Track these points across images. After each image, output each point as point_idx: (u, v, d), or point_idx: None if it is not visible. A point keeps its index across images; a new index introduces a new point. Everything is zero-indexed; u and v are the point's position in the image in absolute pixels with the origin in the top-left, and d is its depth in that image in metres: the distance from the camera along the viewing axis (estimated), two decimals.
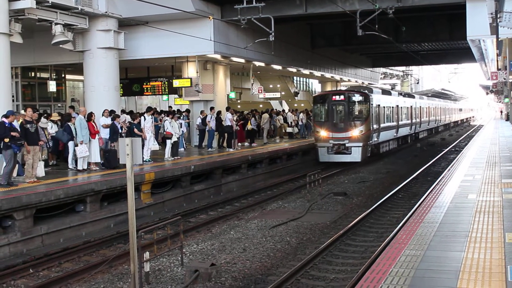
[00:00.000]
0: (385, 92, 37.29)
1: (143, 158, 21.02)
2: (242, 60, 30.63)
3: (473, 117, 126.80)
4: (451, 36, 38.51)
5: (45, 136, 19.14)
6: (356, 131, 29.11)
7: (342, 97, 29.76)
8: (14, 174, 16.59)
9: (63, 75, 33.20)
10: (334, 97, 29.92)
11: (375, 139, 30.98)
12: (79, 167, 18.99)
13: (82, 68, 25.53)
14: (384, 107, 32.97)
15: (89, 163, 19.39)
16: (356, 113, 29.93)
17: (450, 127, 75.28)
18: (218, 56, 28.36)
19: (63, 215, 15.45)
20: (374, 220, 16.57)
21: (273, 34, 23.73)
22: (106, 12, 23.96)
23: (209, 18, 24.71)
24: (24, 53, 25.60)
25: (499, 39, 21.19)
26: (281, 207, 19.16)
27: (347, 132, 29.19)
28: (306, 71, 40.15)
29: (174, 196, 19.56)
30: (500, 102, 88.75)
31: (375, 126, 30.51)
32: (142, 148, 21.05)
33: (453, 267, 7.86)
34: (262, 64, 32.85)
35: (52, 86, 30.82)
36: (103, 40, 24.37)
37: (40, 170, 17.37)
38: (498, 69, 32.37)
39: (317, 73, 42.39)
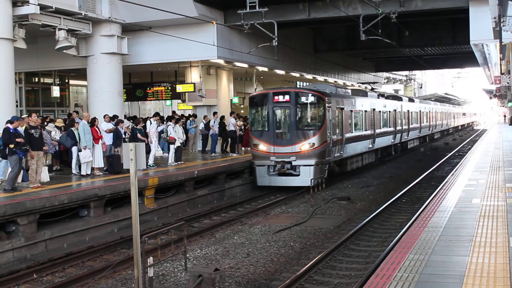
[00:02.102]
0: (356, 92, 30.78)
1: (147, 163, 21.29)
2: (245, 65, 30.65)
3: (476, 121, 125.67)
4: (454, 41, 38.54)
5: (51, 141, 19.16)
6: (306, 144, 22.33)
7: (287, 97, 22.76)
8: (19, 179, 16.63)
9: (66, 81, 33.27)
10: (276, 97, 22.86)
11: (337, 153, 24.22)
12: (83, 172, 19.02)
13: (86, 73, 25.62)
14: (351, 111, 26.57)
15: (92, 168, 19.41)
16: (307, 119, 23.21)
17: (448, 134, 68.75)
18: (221, 61, 28.41)
19: (67, 220, 15.46)
20: (378, 225, 16.54)
21: (276, 39, 23.76)
22: (109, 17, 24.04)
23: (212, 23, 24.76)
24: (27, 58, 25.66)
25: (503, 43, 21.19)
26: (285, 212, 19.16)
27: (293, 146, 22.38)
28: (309, 76, 40.17)
29: (177, 201, 19.55)
30: (503, 106, 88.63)
31: (335, 137, 23.67)
32: (148, 153, 21.37)
33: (458, 272, 7.83)
34: (265, 69, 32.88)
35: (55, 92, 30.93)
36: (107, 46, 24.44)
37: (45, 175, 17.39)
38: (502, 74, 32.40)
39: (320, 78, 42.42)
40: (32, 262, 13.20)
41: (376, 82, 43.46)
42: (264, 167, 22.70)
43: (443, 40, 39.69)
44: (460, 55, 49.11)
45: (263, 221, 17.56)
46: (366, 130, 28.72)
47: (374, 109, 30.20)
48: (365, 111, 28.78)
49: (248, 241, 14.78)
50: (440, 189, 16.70)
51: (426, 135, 49.70)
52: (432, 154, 40.34)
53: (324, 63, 40.35)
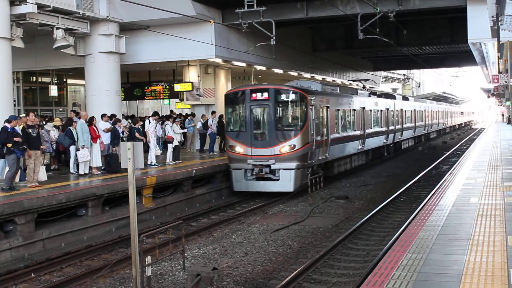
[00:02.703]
0: (345, 90, 29.30)
1: (151, 162, 21.34)
2: (243, 64, 30.64)
3: (473, 120, 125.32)
4: (452, 39, 38.57)
5: (49, 140, 19.14)
6: (286, 146, 20.75)
7: (265, 95, 21.11)
8: (17, 179, 16.61)
9: (64, 80, 33.25)
10: (254, 95, 21.18)
11: (321, 156, 22.62)
12: (81, 172, 19.01)
13: (84, 73, 25.59)
14: (338, 110, 25.15)
15: (90, 168, 19.40)
16: (288, 118, 21.62)
17: (445, 133, 67.62)
18: (219, 60, 28.39)
19: (64, 219, 15.45)
20: (376, 224, 16.55)
21: (274, 38, 23.74)
22: (107, 16, 24.02)
23: (210, 22, 24.76)
24: (25, 57, 25.63)
25: (500, 42, 21.19)
26: (283, 211, 19.16)
27: (273, 148, 20.79)
28: (308, 75, 40.15)
29: (175, 200, 19.54)
30: (501, 105, 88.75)
31: (319, 138, 22.20)
32: (147, 152, 21.38)
33: (456, 271, 7.84)
34: (263, 68, 32.87)
35: (53, 91, 30.92)
36: (105, 45, 24.42)
37: (42, 175, 17.38)
38: (499, 72, 32.44)
39: (318, 77, 42.42)
40: (30, 261, 13.19)
41: (368, 80, 41.60)
42: (241, 171, 21.09)
43: (441, 39, 39.73)
44: (458, 54, 49.16)
45: (261, 220, 17.57)
46: (355, 131, 27.33)
47: (364, 108, 28.84)
48: (354, 110, 27.39)
49: (246, 240, 14.78)
50: (438, 188, 16.72)
51: (421, 134, 48.19)
52: (430, 153, 40.37)
53: (322, 62, 40.36)
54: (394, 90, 76.91)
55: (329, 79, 44.66)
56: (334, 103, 24.42)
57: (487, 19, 18.91)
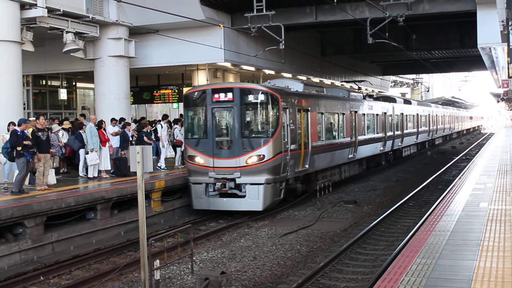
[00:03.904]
0: (336, 92, 26.62)
1: (160, 166, 21.38)
2: (252, 68, 30.67)
3: (482, 125, 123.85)
4: (462, 44, 38.45)
5: (58, 143, 19.21)
6: (254, 157, 17.75)
7: (230, 95, 18.12)
8: (26, 182, 16.69)
9: (74, 83, 33.36)
10: (216, 95, 18.22)
11: (299, 167, 19.65)
12: (90, 175, 19.06)
13: (93, 76, 25.68)
14: (321, 114, 21.98)
15: (99, 171, 19.46)
16: (256, 124, 18.56)
17: (451, 139, 63.39)
18: (228, 64, 28.43)
19: (73, 222, 15.50)
20: (385, 229, 16.50)
21: (283, 42, 23.74)
22: (117, 20, 24.11)
23: (220, 26, 24.79)
24: (35, 61, 25.75)
25: (510, 47, 21.09)
26: (291, 215, 19.13)
27: (238, 159, 17.82)
28: (316, 79, 40.13)
29: (184, 204, 19.54)
30: (511, 110, 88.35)
31: (294, 147, 19.03)
32: (159, 156, 21.47)
33: (465, 276, 7.80)
34: (272, 72, 32.87)
35: (63, 94, 31.04)
36: (114, 48, 24.50)
37: (51, 178, 17.45)
38: (509, 77, 32.26)
39: (327, 81, 42.39)
40: (39, 264, 13.24)
41: (363, 81, 38.82)
42: (202, 186, 18.14)
43: (450, 44, 39.61)
44: (468, 58, 49.00)
45: (269, 224, 17.54)
46: (344, 137, 24.44)
47: (356, 112, 26.12)
48: (343, 113, 24.43)
49: (255, 244, 14.77)
50: (447, 193, 16.66)
51: (424, 141, 45.04)
52: (439, 158, 40.25)
53: (331, 66, 40.32)
54: (403, 94, 76.73)
55: (337, 83, 44.61)
56: (316, 106, 21.66)
57: (497, 23, 18.87)
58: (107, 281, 11.94)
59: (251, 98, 18.15)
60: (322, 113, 22.04)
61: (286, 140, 18.40)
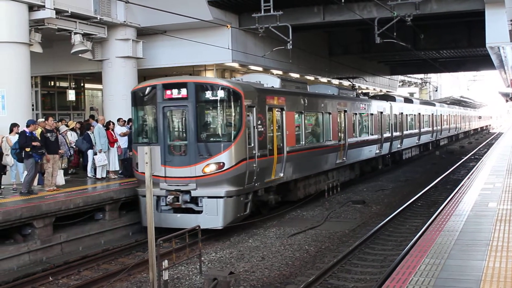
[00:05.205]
0: (324, 89, 24.64)
1: None
2: (260, 69, 30.64)
3: (490, 125, 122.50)
4: (470, 43, 38.29)
5: (66, 144, 19.28)
6: (212, 164, 15.29)
7: (183, 92, 15.65)
8: (35, 183, 16.76)
9: (82, 84, 33.44)
10: (168, 92, 15.82)
11: (271, 176, 17.14)
12: (98, 176, 19.12)
13: (101, 77, 25.73)
14: (300, 113, 19.55)
15: (107, 172, 19.51)
16: (215, 125, 16.18)
17: (457, 140, 60.85)
18: (236, 65, 28.45)
19: (82, 223, 15.55)
20: (393, 229, 16.47)
21: (291, 42, 23.72)
22: (124, 21, 24.15)
23: (227, 26, 24.78)
24: (43, 62, 25.81)
25: None
26: (299, 215, 19.12)
27: (193, 167, 15.36)
28: (324, 79, 40.07)
29: None
30: None
31: (263, 152, 16.44)
32: None
33: (474, 276, 7.78)
34: (280, 72, 32.80)
35: (71, 95, 31.13)
36: (122, 49, 24.55)
37: (60, 179, 17.51)
38: None
39: (335, 81, 42.32)
40: (48, 264, 13.30)
41: (356, 77, 35.56)
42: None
43: (458, 43, 39.45)
44: (476, 58, 48.78)
45: (278, 224, 17.54)
46: (329, 140, 21.89)
47: (345, 111, 23.72)
48: (329, 113, 21.91)
49: (263, 245, 14.77)
50: (456, 193, 16.61)
51: (427, 142, 42.52)
52: (448, 158, 40.13)
53: (339, 66, 40.25)
54: (411, 94, 76.56)
55: (345, 83, 44.52)
56: (294, 104, 19.04)
57: (506, 23, 18.74)
58: (116, 282, 11.98)
59: (208, 94, 15.62)
60: (301, 113, 19.54)
61: (252, 144, 15.89)
